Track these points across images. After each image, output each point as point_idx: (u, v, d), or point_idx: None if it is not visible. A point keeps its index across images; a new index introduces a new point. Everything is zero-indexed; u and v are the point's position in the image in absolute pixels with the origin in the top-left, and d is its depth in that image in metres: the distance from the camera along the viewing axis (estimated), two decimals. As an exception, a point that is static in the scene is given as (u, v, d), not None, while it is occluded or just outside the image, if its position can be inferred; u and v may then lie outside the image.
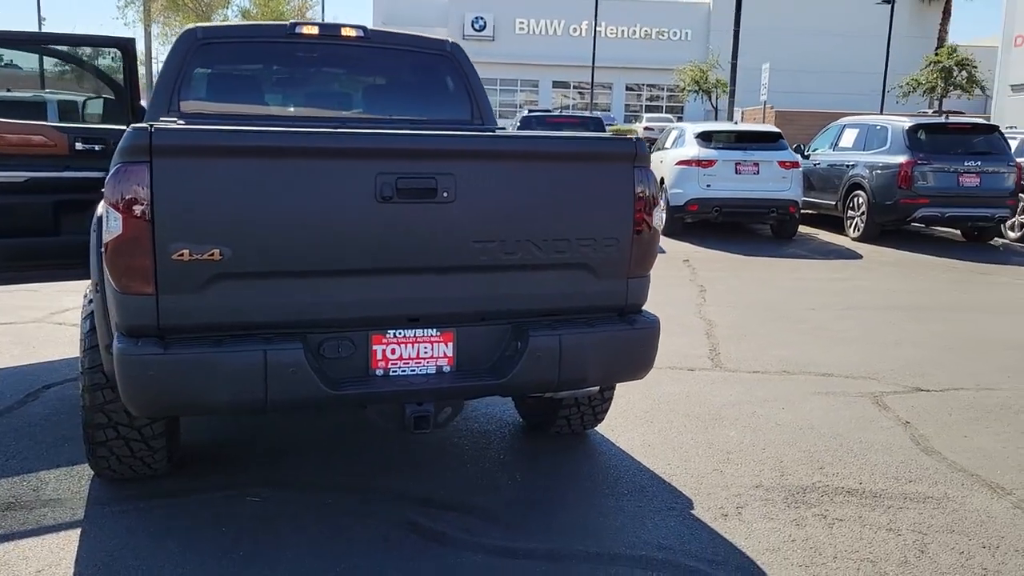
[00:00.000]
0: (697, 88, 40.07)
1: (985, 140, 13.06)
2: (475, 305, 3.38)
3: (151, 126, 2.93)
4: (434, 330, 3.35)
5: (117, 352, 3.01)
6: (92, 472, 3.92)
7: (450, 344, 3.37)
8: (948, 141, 12.93)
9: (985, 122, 13.79)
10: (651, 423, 4.85)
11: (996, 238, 13.71)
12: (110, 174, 2.98)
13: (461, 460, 4.27)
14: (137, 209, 2.94)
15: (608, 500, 3.85)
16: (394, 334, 3.31)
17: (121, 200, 2.94)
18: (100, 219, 3.26)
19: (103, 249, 3.03)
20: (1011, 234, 13.78)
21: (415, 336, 3.33)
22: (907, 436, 4.78)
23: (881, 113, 26.59)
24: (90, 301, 3.67)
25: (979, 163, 12.59)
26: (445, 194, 3.18)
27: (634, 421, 4.86)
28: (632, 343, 3.52)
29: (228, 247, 3.02)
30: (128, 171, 2.93)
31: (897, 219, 12.74)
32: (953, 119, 14.68)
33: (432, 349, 3.35)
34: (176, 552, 3.31)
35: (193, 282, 3.02)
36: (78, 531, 3.47)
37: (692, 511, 3.75)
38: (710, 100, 40.09)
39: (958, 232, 13.94)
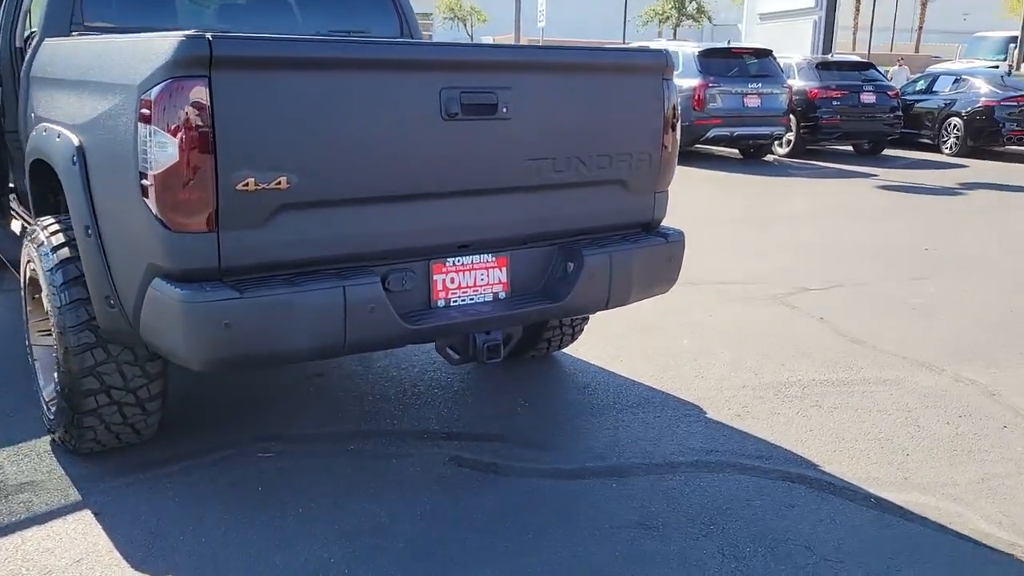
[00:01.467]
0: (453, 15, 40.05)
1: (761, 64, 14.19)
2: (524, 228, 3.25)
3: (209, 34, 2.51)
4: (489, 255, 3.19)
5: (179, 299, 2.60)
6: (47, 447, 3.41)
7: (504, 269, 3.23)
8: (731, 65, 13.93)
9: (761, 47, 14.94)
10: (602, 337, 4.91)
11: (769, 154, 15.02)
12: (154, 90, 2.53)
13: (454, 395, 4.13)
14: (196, 133, 2.53)
15: (625, 415, 3.90)
16: (453, 262, 3.11)
17: (176, 122, 2.51)
18: (87, 149, 2.81)
19: (148, 181, 2.59)
20: (780, 150, 15.17)
21: (472, 263, 3.16)
22: (830, 329, 5.23)
23: (624, 42, 27.94)
24: (53, 249, 3.13)
25: (759, 85, 13.70)
26: (504, 109, 3.01)
27: (585, 336, 4.89)
28: (668, 257, 3.55)
29: (294, 174, 2.68)
30: (182, 87, 2.51)
31: (692, 140, 13.59)
32: (734, 45, 15.77)
33: (488, 276, 3.20)
34: (215, 518, 2.98)
35: (257, 216, 2.67)
36: (88, 512, 3.02)
37: (708, 415, 3.90)
38: (465, 28, 40.24)
39: (736, 151, 15.12)
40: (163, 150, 2.54)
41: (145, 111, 2.56)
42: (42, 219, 3.34)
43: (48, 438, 3.48)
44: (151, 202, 2.61)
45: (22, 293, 3.64)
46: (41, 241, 3.22)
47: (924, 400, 4.12)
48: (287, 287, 2.72)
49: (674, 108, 3.49)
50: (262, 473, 3.32)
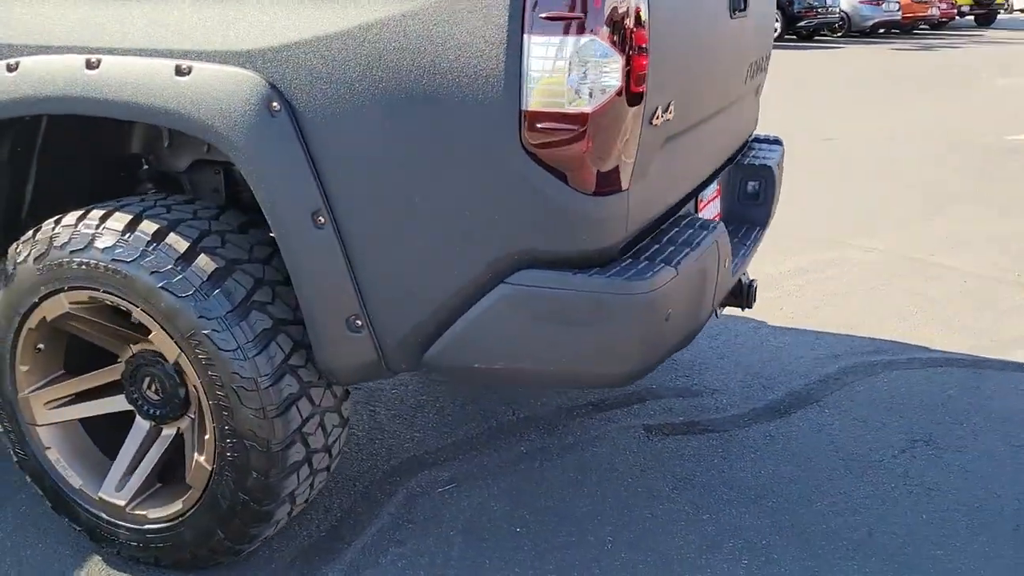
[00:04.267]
0: None
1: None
2: (731, 146, 2.81)
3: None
4: (714, 184, 2.69)
5: (615, 290, 1.78)
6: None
7: (718, 200, 2.76)
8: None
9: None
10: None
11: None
12: None
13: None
14: (638, 48, 1.72)
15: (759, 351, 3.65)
16: (704, 194, 2.57)
17: (622, 32, 1.68)
18: (306, 87, 1.81)
19: (552, 124, 1.69)
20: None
21: (711, 195, 2.65)
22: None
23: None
24: (186, 258, 1.96)
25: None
26: (746, 3, 2.52)
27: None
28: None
29: (675, 96, 1.98)
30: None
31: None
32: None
33: (713, 208, 2.71)
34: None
35: (650, 159, 1.92)
36: None
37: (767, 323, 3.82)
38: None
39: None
40: (600, 73, 1.68)
41: (566, 15, 1.65)
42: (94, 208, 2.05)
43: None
44: (551, 153, 1.72)
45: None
46: (140, 247, 1.97)
47: (874, 273, 4.48)
48: (689, 248, 2.02)
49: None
50: (462, 511, 2.50)
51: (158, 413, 2.20)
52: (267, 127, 1.84)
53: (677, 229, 2.13)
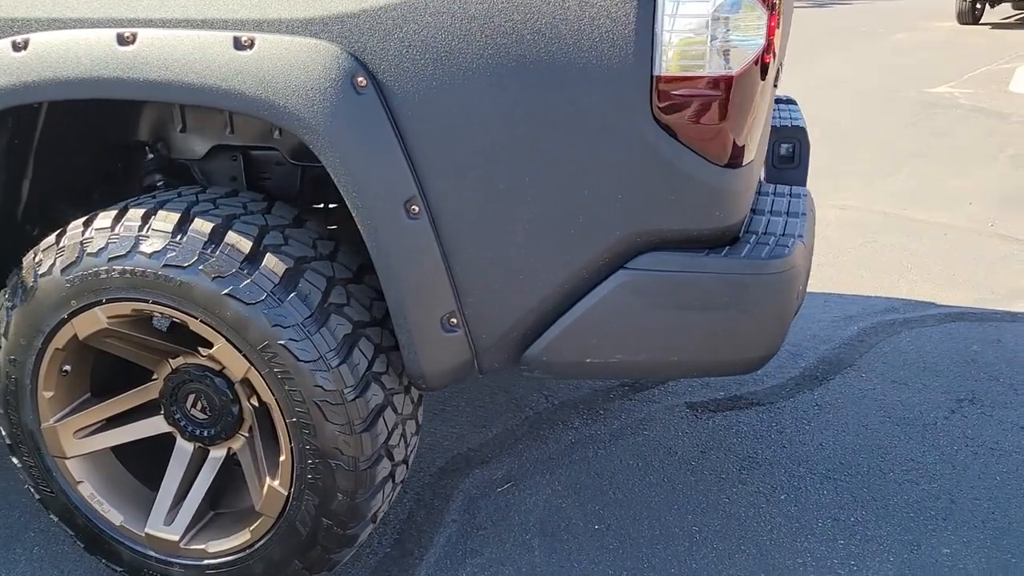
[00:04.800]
0: None
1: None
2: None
3: None
4: (763, 148, 2.57)
5: (757, 269, 1.64)
6: None
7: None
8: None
9: None
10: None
11: None
12: None
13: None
14: (773, 2, 1.57)
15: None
16: (762, 161, 2.44)
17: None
18: (391, 65, 1.58)
19: (689, 90, 1.52)
20: None
21: (764, 159, 2.52)
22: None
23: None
24: (251, 260, 1.72)
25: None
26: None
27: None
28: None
29: (779, 59, 1.84)
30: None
31: None
32: None
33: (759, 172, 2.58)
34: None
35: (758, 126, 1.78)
36: None
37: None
38: None
39: None
40: (746, 30, 1.51)
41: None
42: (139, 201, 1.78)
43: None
44: (687, 124, 1.56)
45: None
46: (197, 250, 1.71)
47: (870, 228, 4.49)
48: (798, 218, 1.89)
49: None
50: (529, 511, 2.34)
51: (205, 434, 1.95)
52: (352, 106, 1.61)
53: (766, 198, 2.00)
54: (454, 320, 1.75)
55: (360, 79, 1.60)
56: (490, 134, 1.62)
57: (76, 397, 1.99)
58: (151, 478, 2.08)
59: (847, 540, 2.20)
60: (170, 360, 1.94)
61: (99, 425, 2.00)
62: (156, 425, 2.00)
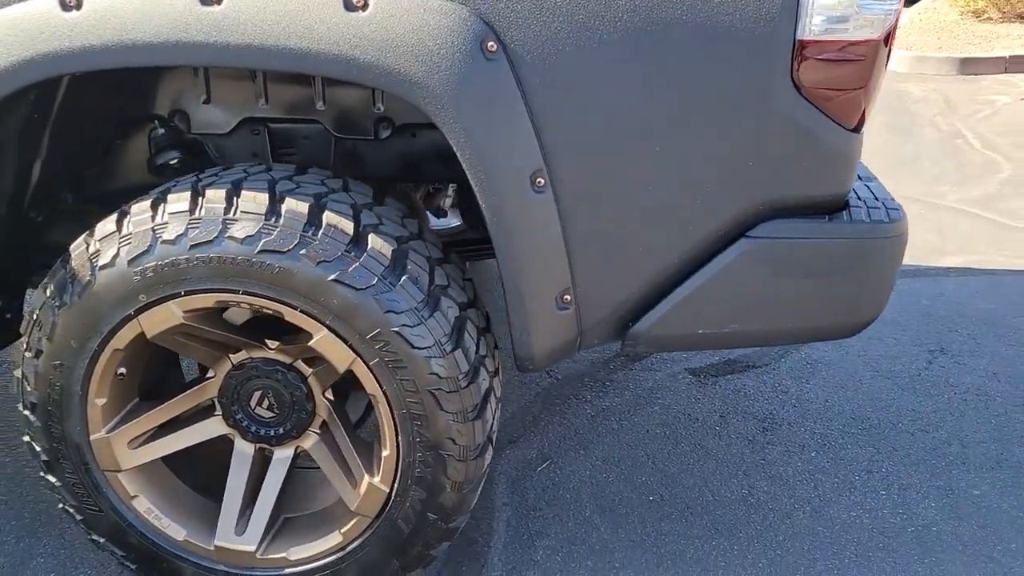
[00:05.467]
0: None
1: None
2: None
3: None
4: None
5: (878, 234, 1.67)
6: None
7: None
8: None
9: None
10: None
11: None
12: None
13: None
14: (903, -33, 1.58)
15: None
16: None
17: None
18: (524, 28, 1.50)
19: (832, 54, 1.52)
20: None
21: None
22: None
23: None
24: (356, 242, 1.60)
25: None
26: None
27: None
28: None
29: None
30: None
31: None
32: None
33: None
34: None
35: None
36: None
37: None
38: None
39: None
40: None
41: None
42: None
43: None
44: (827, 89, 1.56)
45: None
46: (297, 232, 1.56)
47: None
48: (877, 182, 1.94)
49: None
50: (579, 489, 2.32)
51: (271, 433, 1.79)
52: (482, 73, 1.51)
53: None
54: (567, 297, 1.68)
55: (490, 44, 1.50)
56: (622, 102, 1.55)
57: (126, 403, 1.78)
58: (204, 487, 1.90)
59: (887, 491, 2.29)
60: (231, 356, 1.77)
61: (151, 433, 1.80)
62: (212, 428, 1.82)
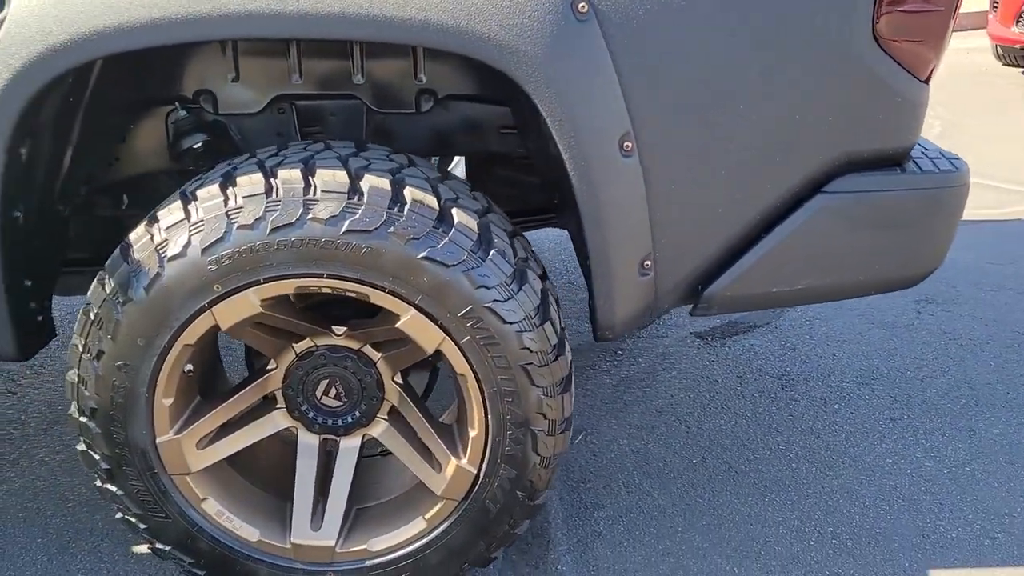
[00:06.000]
0: None
1: None
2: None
3: None
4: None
5: (948, 184, 1.72)
6: None
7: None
8: None
9: None
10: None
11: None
12: None
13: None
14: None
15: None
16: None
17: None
18: None
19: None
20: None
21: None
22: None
23: None
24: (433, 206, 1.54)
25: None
26: None
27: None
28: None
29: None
30: None
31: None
32: None
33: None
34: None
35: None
36: None
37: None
38: None
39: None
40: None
41: None
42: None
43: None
44: (908, 41, 1.58)
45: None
46: (383, 210, 1.50)
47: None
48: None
49: None
50: (621, 459, 2.33)
51: (339, 423, 1.73)
52: (574, 35, 1.47)
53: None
54: (648, 263, 1.67)
55: (581, 4, 1.46)
56: (707, 61, 1.54)
57: (191, 402, 1.68)
58: (266, 486, 1.82)
59: (915, 436, 2.37)
60: (294, 345, 1.69)
61: (215, 432, 1.70)
62: (276, 422, 1.74)
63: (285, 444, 1.82)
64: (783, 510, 2.10)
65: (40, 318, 1.77)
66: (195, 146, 1.92)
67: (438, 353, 1.60)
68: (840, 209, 1.67)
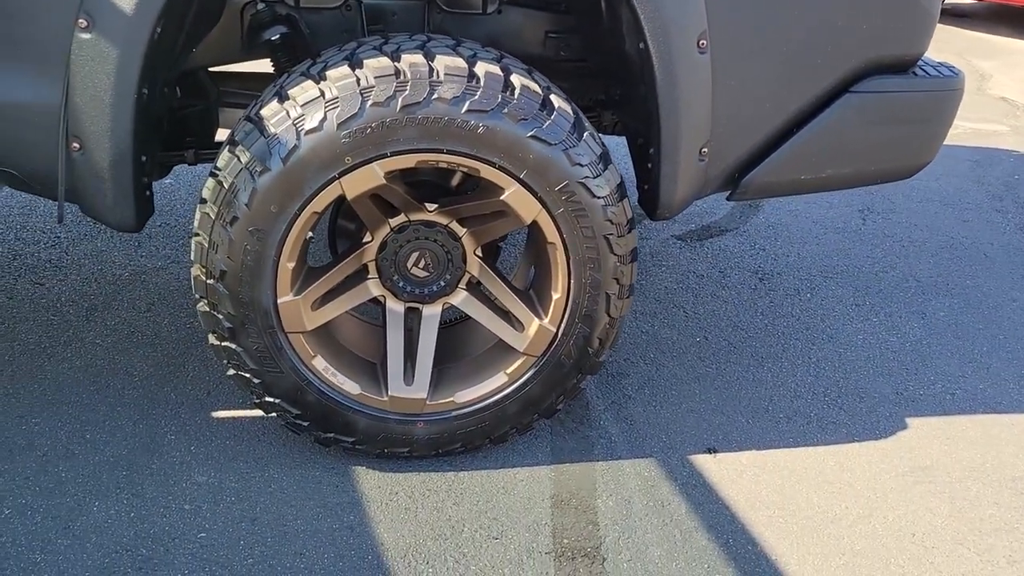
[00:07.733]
0: None
1: None
2: None
3: None
4: None
5: (950, 87, 2.04)
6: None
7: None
8: None
9: None
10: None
11: None
12: None
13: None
14: None
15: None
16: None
17: None
18: None
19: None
20: None
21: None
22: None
23: None
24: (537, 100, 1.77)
25: None
26: None
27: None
28: None
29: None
30: None
31: None
32: None
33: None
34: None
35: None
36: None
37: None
38: None
39: None
40: None
41: None
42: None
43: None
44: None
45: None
46: (497, 93, 1.70)
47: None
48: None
49: None
50: (632, 366, 2.62)
51: (425, 292, 1.94)
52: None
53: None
54: (705, 150, 1.93)
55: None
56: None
57: (303, 267, 1.85)
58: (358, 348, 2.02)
59: (877, 318, 2.75)
60: (389, 220, 1.88)
61: (323, 296, 1.89)
62: (368, 290, 1.93)
63: (363, 324, 2.02)
64: (780, 376, 2.44)
65: (148, 193, 1.89)
66: (273, 38, 2.05)
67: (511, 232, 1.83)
68: (865, 107, 1.97)
